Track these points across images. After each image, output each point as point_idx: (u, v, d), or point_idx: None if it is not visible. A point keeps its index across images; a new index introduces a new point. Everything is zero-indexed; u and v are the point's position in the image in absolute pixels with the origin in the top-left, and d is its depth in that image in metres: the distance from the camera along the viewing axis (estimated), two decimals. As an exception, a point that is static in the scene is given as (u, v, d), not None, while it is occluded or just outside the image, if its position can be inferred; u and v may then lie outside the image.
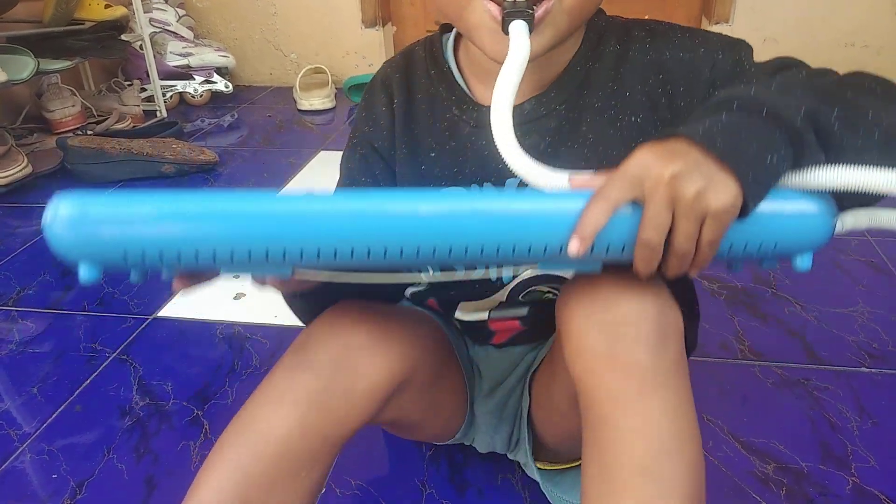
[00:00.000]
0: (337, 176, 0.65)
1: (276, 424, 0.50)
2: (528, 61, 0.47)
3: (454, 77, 0.60)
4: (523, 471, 0.77)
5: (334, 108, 2.21)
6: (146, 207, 0.39)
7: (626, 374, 0.45)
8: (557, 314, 0.50)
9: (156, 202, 0.39)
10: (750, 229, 0.42)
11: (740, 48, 0.55)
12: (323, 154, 1.81)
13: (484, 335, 0.70)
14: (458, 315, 0.69)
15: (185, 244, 0.39)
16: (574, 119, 0.57)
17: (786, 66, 0.52)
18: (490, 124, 0.47)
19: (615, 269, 0.45)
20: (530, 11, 0.46)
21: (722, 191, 0.39)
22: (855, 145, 0.43)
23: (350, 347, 0.52)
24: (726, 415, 0.84)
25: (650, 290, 0.46)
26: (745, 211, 0.41)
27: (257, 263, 0.40)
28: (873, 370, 0.91)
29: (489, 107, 0.57)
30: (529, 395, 0.69)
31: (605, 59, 0.57)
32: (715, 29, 2.15)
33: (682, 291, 0.69)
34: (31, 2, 1.82)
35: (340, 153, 0.66)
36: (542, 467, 0.72)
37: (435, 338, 0.66)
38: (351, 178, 0.64)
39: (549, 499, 0.72)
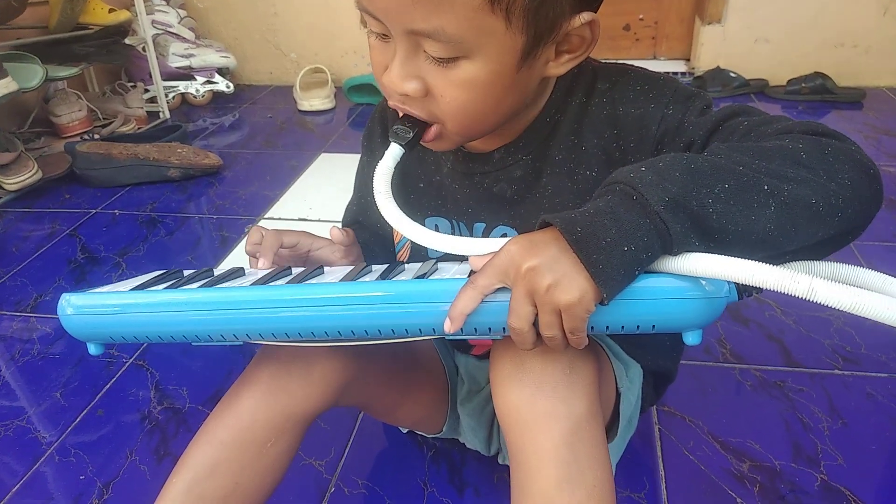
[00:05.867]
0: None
1: (245, 403, 0.59)
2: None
3: None
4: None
5: (334, 108, 2.25)
6: (123, 306, 0.52)
7: (534, 418, 0.49)
8: (490, 366, 0.55)
9: (131, 303, 0.52)
10: (620, 313, 0.44)
11: (692, 102, 0.54)
12: (324, 156, 1.84)
13: (464, 346, 0.78)
14: None
15: (153, 333, 0.52)
16: (537, 169, 0.59)
17: (728, 119, 0.52)
18: (461, 172, 0.55)
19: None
20: (408, 136, 0.53)
21: (569, 286, 0.41)
22: (743, 221, 0.42)
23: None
24: (707, 416, 0.91)
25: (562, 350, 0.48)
26: (604, 299, 0.42)
27: (209, 340, 0.52)
28: (845, 372, 0.97)
29: (465, 152, 0.62)
30: None
31: (569, 111, 0.58)
32: (707, 29, 2.20)
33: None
34: (36, 7, 1.86)
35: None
36: None
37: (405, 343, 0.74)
38: (357, 193, 0.75)
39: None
